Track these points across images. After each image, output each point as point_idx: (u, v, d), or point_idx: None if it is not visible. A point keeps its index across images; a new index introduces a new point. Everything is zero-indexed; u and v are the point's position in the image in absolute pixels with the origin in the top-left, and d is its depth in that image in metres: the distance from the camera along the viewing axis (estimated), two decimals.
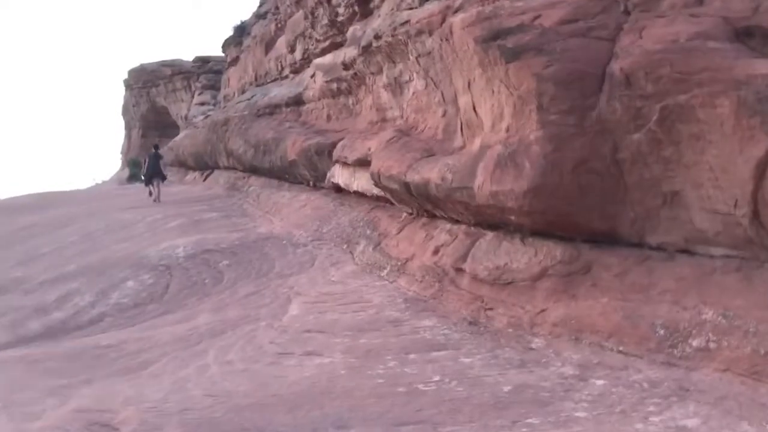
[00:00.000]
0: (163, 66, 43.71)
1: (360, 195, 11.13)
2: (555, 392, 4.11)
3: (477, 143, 6.49)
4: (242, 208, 16.69)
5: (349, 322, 6.18)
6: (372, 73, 11.17)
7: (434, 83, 8.00)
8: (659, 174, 4.88)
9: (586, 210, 5.23)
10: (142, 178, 21.92)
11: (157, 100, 44.34)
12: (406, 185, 7.51)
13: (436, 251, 7.01)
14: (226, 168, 23.20)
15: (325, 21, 14.85)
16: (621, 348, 4.57)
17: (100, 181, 45.36)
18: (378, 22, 10.38)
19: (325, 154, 13.09)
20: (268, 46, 22.77)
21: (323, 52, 15.55)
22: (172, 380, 5.23)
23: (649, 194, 4.99)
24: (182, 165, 30.77)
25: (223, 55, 33.15)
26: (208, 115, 30.29)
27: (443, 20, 7.27)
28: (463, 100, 6.83)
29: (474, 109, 6.53)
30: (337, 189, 12.60)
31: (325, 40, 15.25)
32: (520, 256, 5.75)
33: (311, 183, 14.59)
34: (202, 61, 40.60)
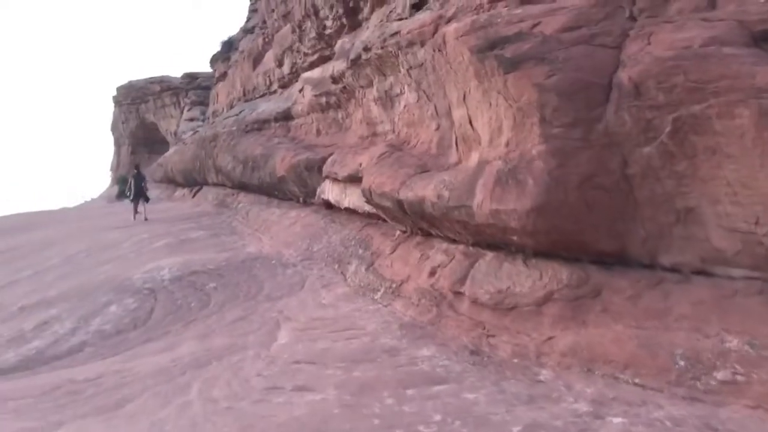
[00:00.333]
0: (152, 82, 43.55)
1: (351, 212, 10.76)
2: None
3: (474, 158, 6.14)
4: (231, 225, 16.28)
5: (342, 352, 5.78)
6: (361, 87, 10.84)
7: (427, 96, 7.65)
8: (672, 189, 4.54)
9: (593, 229, 4.87)
10: (127, 194, 21.73)
11: (146, 116, 44.10)
12: (400, 203, 7.14)
13: (432, 273, 6.64)
14: (215, 184, 22.83)
15: (313, 34, 14.55)
16: (638, 380, 4.21)
17: (89, 199, 44.97)
18: (367, 34, 10.07)
19: (314, 169, 12.74)
20: (256, 60, 22.48)
21: (311, 66, 15.26)
22: (149, 422, 4.82)
23: (661, 211, 4.65)
24: (171, 181, 30.41)
25: (211, 70, 32.88)
26: (197, 131, 29.96)
27: (435, 30, 6.95)
28: (458, 114, 6.48)
29: (470, 122, 6.18)
30: (328, 206, 12.23)
31: (313, 53, 14.96)
32: (524, 279, 5.38)
33: (301, 199, 14.22)
34: (191, 77, 40.48)
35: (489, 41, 5.45)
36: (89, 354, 8.14)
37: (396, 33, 8.10)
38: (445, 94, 6.97)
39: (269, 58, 20.24)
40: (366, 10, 11.02)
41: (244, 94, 23.81)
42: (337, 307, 7.54)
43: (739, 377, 3.76)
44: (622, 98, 4.54)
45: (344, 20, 12.20)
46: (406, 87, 8.50)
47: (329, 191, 11.85)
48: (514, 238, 5.27)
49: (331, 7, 12.57)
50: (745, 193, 4.11)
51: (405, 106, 8.51)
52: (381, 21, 9.70)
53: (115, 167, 47.16)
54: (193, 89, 39.60)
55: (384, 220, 9.09)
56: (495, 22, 5.55)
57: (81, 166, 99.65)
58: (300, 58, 16.04)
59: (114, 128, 48.89)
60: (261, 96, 21.47)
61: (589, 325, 4.77)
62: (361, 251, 9.13)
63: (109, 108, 48.80)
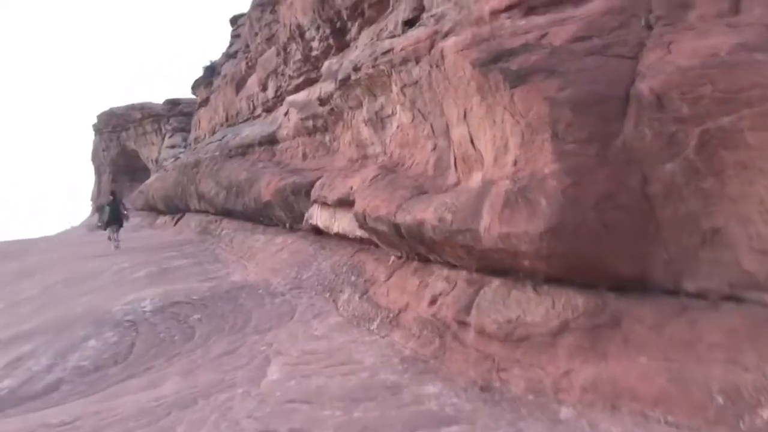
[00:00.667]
0: (133, 109, 43.15)
1: (341, 237, 10.37)
2: None
3: (476, 179, 5.78)
4: (214, 253, 15.81)
5: (339, 389, 5.35)
6: (350, 108, 10.51)
7: (422, 115, 7.32)
8: (697, 209, 4.20)
9: (612, 252, 4.51)
10: (99, 225, 21.32)
11: (127, 143, 43.65)
12: (396, 227, 6.76)
13: (433, 301, 6.24)
14: (198, 211, 22.36)
15: (299, 57, 14.26)
16: (670, 418, 3.82)
17: (69, 227, 44.28)
18: (356, 54, 9.75)
19: (302, 194, 12.35)
20: (239, 85, 22.17)
21: (297, 89, 14.95)
22: None
23: (685, 232, 4.30)
24: (152, 209, 29.91)
25: (193, 96, 32.55)
26: (179, 158, 29.54)
27: (432, 46, 6.63)
28: (458, 132, 6.14)
29: (471, 141, 5.84)
30: (317, 231, 11.82)
31: (298, 76, 14.65)
32: (535, 308, 5.00)
33: (288, 225, 13.79)
34: (172, 104, 40.19)
35: (492, 54, 5.12)
36: (66, 393, 7.63)
37: (388, 51, 7.78)
38: (442, 112, 6.64)
39: (253, 83, 19.94)
40: (354, 31, 10.74)
41: (227, 119, 23.45)
42: (331, 338, 7.11)
43: None
44: (641, 111, 4.21)
45: (331, 41, 11.90)
46: (398, 107, 8.16)
47: (318, 216, 11.45)
48: (525, 263, 4.90)
49: (318, 28, 12.28)
50: None
51: (398, 127, 8.17)
52: (371, 40, 9.40)
53: (96, 195, 46.51)
54: (174, 116, 39.30)
55: (377, 246, 8.70)
56: (498, 34, 5.24)
57: (64, 193, 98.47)
58: (285, 81, 15.73)
59: (95, 156, 48.33)
60: (244, 121, 21.12)
61: (611, 357, 4.38)
62: (353, 278, 8.72)
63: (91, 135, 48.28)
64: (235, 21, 27.28)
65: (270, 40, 17.77)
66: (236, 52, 24.47)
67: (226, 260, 14.35)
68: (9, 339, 9.75)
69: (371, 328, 6.99)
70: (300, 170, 13.80)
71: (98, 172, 48.13)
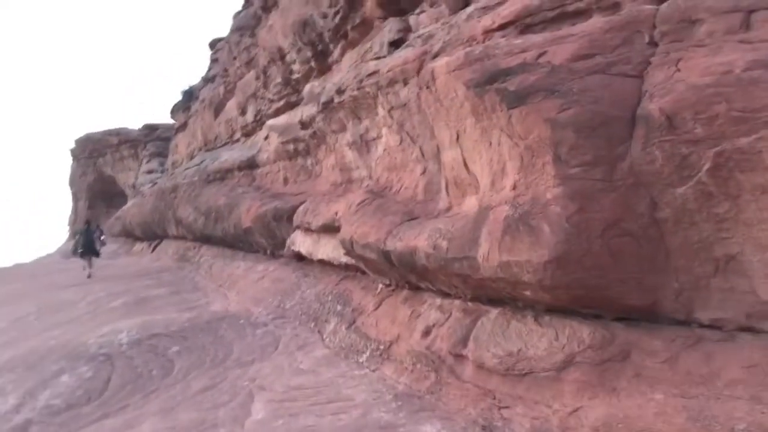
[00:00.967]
0: (109, 135, 42.60)
1: (326, 264, 10.04)
2: None
3: (470, 204, 5.53)
4: (194, 281, 15.36)
5: (330, 430, 5.01)
6: (334, 131, 10.25)
7: (411, 138, 7.07)
8: (710, 235, 3.97)
9: (619, 282, 4.25)
10: (76, 251, 20.77)
11: (104, 169, 43.06)
12: (386, 254, 6.47)
13: (426, 332, 5.94)
14: (176, 237, 21.89)
15: (279, 80, 14.01)
16: None
17: (44, 255, 43.41)
18: (340, 77, 9.52)
19: (283, 219, 12.02)
20: (218, 109, 21.84)
21: (277, 113, 14.69)
22: None
23: (697, 260, 4.07)
24: (129, 235, 29.33)
25: (170, 121, 32.16)
26: (156, 183, 29.09)
27: (421, 67, 6.40)
28: (450, 156, 5.89)
29: (465, 164, 5.59)
30: (299, 257, 11.49)
31: (279, 99, 14.40)
32: (537, 340, 4.72)
33: (269, 251, 13.43)
34: (150, 129, 39.79)
35: (487, 74, 4.89)
36: None
37: (374, 72, 7.54)
38: (432, 134, 6.39)
39: (231, 107, 19.64)
40: (336, 53, 10.51)
41: (206, 144, 23.09)
42: (318, 372, 6.76)
43: None
44: (650, 132, 3.98)
45: (313, 64, 11.67)
46: (385, 130, 7.91)
47: (300, 242, 11.13)
48: (527, 293, 4.63)
49: (299, 51, 12.04)
50: None
51: (384, 150, 7.91)
52: (355, 62, 9.16)
53: (73, 222, 45.68)
54: (151, 141, 38.85)
55: (364, 273, 8.40)
56: (493, 54, 5.01)
57: (39, 220, 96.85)
58: (265, 105, 15.46)
59: (72, 182, 47.60)
60: (223, 145, 20.78)
61: (622, 394, 4.11)
62: (339, 308, 8.39)
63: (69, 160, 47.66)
64: (213, 45, 26.99)
65: (249, 63, 17.51)
66: (215, 77, 24.16)
67: (206, 288, 13.92)
68: None
69: (360, 360, 6.66)
70: (281, 195, 13.48)
71: (75, 198, 47.37)
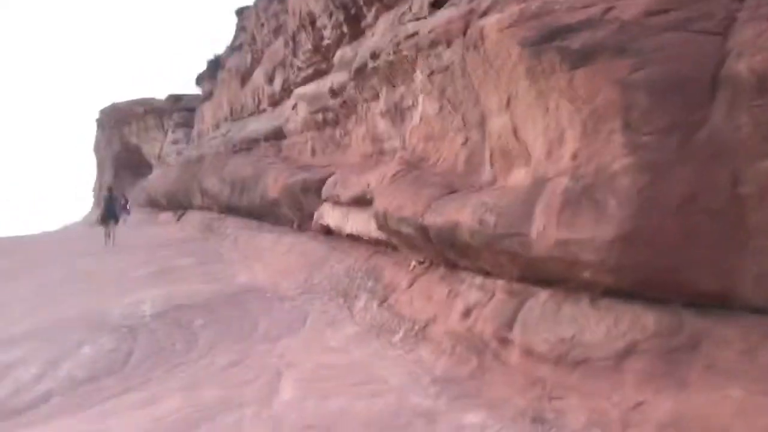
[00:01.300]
0: (135, 104, 42.49)
1: (355, 238, 9.68)
2: None
3: (519, 176, 5.09)
4: (219, 252, 15.11)
5: (364, 414, 4.66)
6: (365, 100, 9.82)
7: (452, 105, 6.61)
8: None
9: (693, 264, 3.81)
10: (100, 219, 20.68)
11: (129, 139, 43.05)
12: (424, 229, 6.07)
13: (466, 313, 5.54)
14: (201, 208, 21.70)
15: (308, 46, 13.54)
16: None
17: (70, 223, 43.76)
18: (374, 40, 9.06)
19: (311, 191, 11.67)
20: (244, 78, 21.46)
21: (305, 81, 14.23)
22: None
23: None
24: (154, 205, 29.30)
25: (196, 92, 31.91)
26: (181, 153, 28.93)
27: (466, 26, 5.93)
28: (497, 123, 5.44)
29: (515, 132, 5.14)
30: (327, 231, 11.15)
31: (307, 67, 13.94)
32: (594, 326, 4.30)
33: (295, 225, 13.10)
34: (176, 99, 39.62)
35: (547, 31, 4.43)
36: (56, 407, 6.95)
37: (413, 34, 7.08)
38: (477, 101, 5.94)
39: (258, 76, 19.24)
40: (370, 16, 10.02)
41: (232, 114, 22.77)
42: (349, 351, 6.43)
43: None
44: (737, 96, 3.52)
45: (344, 29, 11.17)
46: (422, 97, 7.46)
47: (329, 215, 10.79)
48: (586, 274, 4.20)
49: (330, 15, 11.56)
50: None
51: (421, 119, 7.46)
52: (391, 25, 8.68)
53: (98, 190, 45.89)
54: (177, 111, 38.66)
55: (395, 248, 8.01)
56: (552, 9, 4.54)
57: (67, 188, 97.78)
58: (293, 73, 15.02)
59: (97, 151, 47.78)
60: (250, 115, 20.44)
61: (692, 388, 3.69)
62: (370, 284, 8.03)
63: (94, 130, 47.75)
64: (240, 13, 26.55)
65: (277, 30, 17.06)
66: (241, 45, 23.73)
67: (231, 260, 13.66)
68: None
69: (393, 340, 6.31)
70: (309, 166, 13.12)
71: (100, 167, 47.56)
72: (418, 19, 7.59)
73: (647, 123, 3.78)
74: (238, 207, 16.95)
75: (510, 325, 4.92)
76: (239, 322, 8.59)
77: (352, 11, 10.63)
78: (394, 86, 8.48)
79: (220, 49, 34.21)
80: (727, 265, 3.78)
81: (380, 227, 7.46)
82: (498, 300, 5.27)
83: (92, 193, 48.09)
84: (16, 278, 14.88)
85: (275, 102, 17.62)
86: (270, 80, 17.65)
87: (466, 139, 6.39)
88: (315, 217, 11.50)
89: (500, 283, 5.42)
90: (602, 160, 3.99)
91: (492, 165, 5.77)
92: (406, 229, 6.53)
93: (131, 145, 42.85)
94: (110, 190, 22.03)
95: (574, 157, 4.24)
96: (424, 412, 4.52)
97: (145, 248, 17.38)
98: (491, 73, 5.29)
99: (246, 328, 8.28)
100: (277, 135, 16.40)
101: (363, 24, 10.43)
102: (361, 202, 8.71)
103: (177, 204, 24.88)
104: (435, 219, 5.82)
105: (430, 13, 7.27)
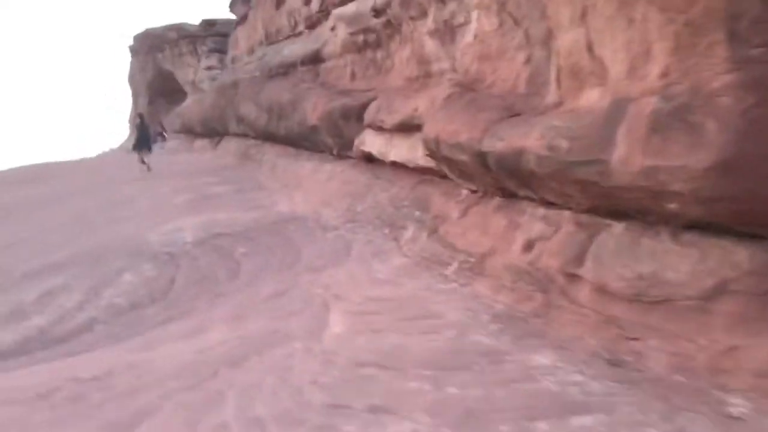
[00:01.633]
0: (169, 30, 41.84)
1: (398, 166, 9.31)
2: None
3: (592, 96, 4.62)
4: (257, 180, 14.87)
5: (422, 352, 4.39)
6: (412, 18, 9.26)
7: (513, 20, 6.07)
8: None
9: None
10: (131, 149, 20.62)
11: (163, 65, 42.62)
12: (482, 156, 5.66)
13: (528, 246, 5.18)
14: (237, 135, 21.39)
15: None
16: None
17: (108, 150, 44.07)
18: None
19: (352, 117, 11.23)
20: (280, 0, 20.71)
21: (345, 1, 13.55)
22: None
23: None
24: (189, 132, 29.08)
25: (230, 17, 31.12)
26: (216, 79, 28.50)
27: None
28: (568, 39, 4.93)
29: (589, 48, 4.64)
30: (368, 159, 10.77)
31: None
32: (677, 262, 3.91)
33: (335, 151, 12.73)
34: (209, 24, 38.92)
35: None
36: (99, 335, 6.90)
37: None
38: (543, 14, 5.41)
39: None
40: None
41: (267, 37, 22.10)
42: (398, 284, 6.15)
43: None
44: None
45: None
46: (476, 13, 6.91)
47: (371, 142, 10.39)
48: (672, 205, 3.78)
49: None
50: None
51: (476, 37, 6.92)
52: None
53: (133, 118, 45.90)
54: (211, 36, 38.03)
55: (443, 177, 7.63)
56: None
57: (106, 116, 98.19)
58: None
59: (131, 79, 47.49)
60: (286, 38, 19.76)
61: None
62: (418, 214, 7.69)
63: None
64: None
65: None
66: None
67: (270, 188, 13.41)
68: (38, 270, 9.03)
69: (446, 273, 6.00)
70: (349, 91, 12.63)
71: (135, 94, 47.38)
72: None
73: (758, 33, 3.28)
74: (276, 134, 16.59)
75: (580, 259, 4.56)
76: (281, 251, 8.39)
77: None
78: (444, 2, 7.92)
79: None
80: None
81: (430, 154, 7.07)
82: (565, 233, 4.88)
83: (128, 120, 48.17)
84: (55, 205, 14.90)
85: (312, 24, 16.95)
86: (307, 1, 16.95)
87: (528, 58, 5.88)
88: (356, 144, 11.11)
89: (567, 214, 5.02)
90: (699, 78, 3.51)
91: (559, 85, 5.28)
92: (460, 156, 6.13)
93: (165, 71, 42.45)
94: (141, 117, 21.80)
95: (664, 74, 3.75)
96: (487, 351, 4.23)
97: (182, 175, 17.24)
98: None
99: (289, 258, 8.07)
100: (315, 59, 15.82)
101: None
102: (407, 128, 8.29)
103: (212, 131, 24.58)
104: (495, 145, 5.41)
105: None
